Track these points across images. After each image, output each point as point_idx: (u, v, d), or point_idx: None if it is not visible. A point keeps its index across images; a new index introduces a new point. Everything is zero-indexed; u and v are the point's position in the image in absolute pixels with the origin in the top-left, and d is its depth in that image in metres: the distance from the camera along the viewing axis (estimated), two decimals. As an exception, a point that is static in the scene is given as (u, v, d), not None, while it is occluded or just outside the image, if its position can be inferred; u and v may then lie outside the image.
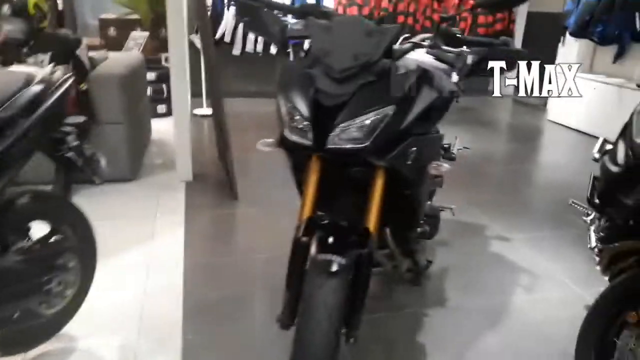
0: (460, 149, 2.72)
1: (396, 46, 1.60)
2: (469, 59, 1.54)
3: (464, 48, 1.69)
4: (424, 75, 1.60)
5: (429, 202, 2.06)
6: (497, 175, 4.20)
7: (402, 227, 1.87)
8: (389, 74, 1.44)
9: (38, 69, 1.62)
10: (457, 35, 1.68)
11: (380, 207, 1.60)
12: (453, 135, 2.61)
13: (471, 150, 4.66)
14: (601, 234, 1.94)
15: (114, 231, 2.92)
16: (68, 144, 1.75)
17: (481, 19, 6.96)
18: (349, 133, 1.38)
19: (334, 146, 1.38)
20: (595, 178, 1.90)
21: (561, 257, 2.75)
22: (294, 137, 1.43)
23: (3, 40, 3.20)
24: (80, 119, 1.82)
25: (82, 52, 3.44)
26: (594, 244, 2.07)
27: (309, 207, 1.62)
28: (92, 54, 4.02)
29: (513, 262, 2.69)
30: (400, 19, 6.68)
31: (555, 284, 2.51)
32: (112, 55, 4.20)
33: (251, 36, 6.31)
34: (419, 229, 1.97)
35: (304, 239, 1.52)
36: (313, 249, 1.45)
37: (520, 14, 7.20)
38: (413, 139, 1.51)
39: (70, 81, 1.68)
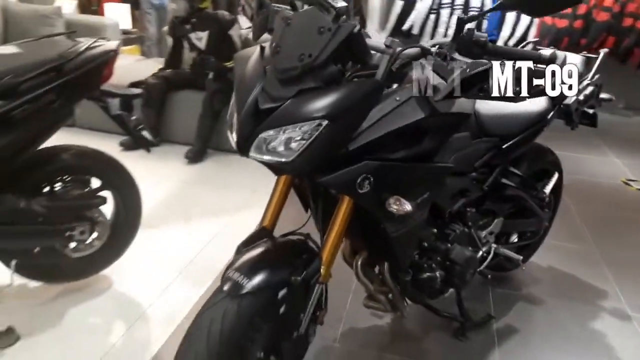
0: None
1: (398, 49, 1.32)
2: (456, 74, 1.18)
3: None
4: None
5: (460, 245, 1.68)
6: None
7: (389, 265, 1.58)
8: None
9: (85, 41, 1.81)
10: (482, 41, 1.30)
11: (340, 234, 1.39)
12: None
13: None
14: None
15: (207, 198, 3.16)
16: (110, 111, 1.93)
17: None
18: (273, 143, 1.20)
19: (254, 154, 1.22)
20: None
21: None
22: (230, 136, 1.31)
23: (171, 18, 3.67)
24: (130, 91, 1.98)
25: (234, 32, 3.73)
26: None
27: (267, 215, 1.50)
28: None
29: (614, 349, 2.04)
30: (627, 21, 5.49)
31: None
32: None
33: (441, 29, 5.97)
34: (425, 274, 1.62)
35: (244, 249, 1.40)
36: (235, 262, 1.32)
37: None
38: (366, 164, 1.24)
39: (108, 55, 1.83)
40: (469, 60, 1.28)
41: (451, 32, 5.58)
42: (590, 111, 2.25)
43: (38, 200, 1.81)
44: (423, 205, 1.45)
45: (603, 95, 2.24)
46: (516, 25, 5.84)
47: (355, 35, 1.20)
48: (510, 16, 5.85)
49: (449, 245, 1.66)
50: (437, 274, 1.63)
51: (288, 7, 1.40)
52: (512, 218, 2.08)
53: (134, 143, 2.07)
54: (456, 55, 1.31)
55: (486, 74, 1.20)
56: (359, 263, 1.65)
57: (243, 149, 1.23)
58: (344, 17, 1.20)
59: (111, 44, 1.88)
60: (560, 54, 1.36)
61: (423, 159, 1.38)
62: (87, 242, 2.01)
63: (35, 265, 1.97)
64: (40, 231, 1.83)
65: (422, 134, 1.34)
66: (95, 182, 2.05)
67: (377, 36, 5.36)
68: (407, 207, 1.30)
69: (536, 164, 2.17)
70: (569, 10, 5.65)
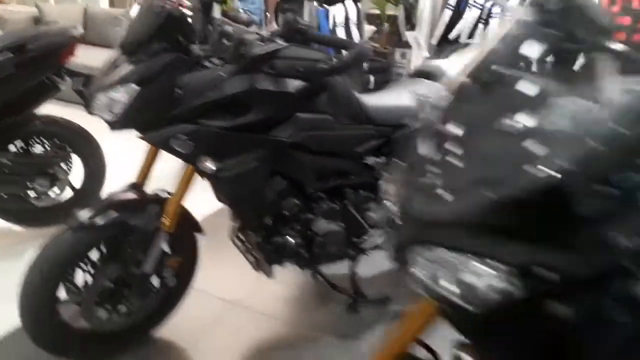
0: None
1: (241, 35, 1.54)
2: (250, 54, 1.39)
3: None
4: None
5: (326, 220, 1.81)
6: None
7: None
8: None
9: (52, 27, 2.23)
10: (303, 29, 1.46)
11: (181, 190, 1.64)
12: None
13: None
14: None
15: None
16: (72, 86, 2.33)
17: None
18: (108, 102, 1.47)
19: (94, 112, 1.50)
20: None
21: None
22: None
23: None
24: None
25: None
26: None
27: (140, 174, 1.77)
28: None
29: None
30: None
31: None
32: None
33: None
34: (277, 238, 1.78)
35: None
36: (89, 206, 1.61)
37: None
38: (183, 126, 1.47)
39: (68, 39, 2.22)
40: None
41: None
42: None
43: (6, 154, 2.25)
44: (255, 173, 1.62)
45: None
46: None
47: (175, 18, 1.45)
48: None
49: (312, 217, 1.81)
50: (292, 240, 1.78)
51: None
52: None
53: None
54: (277, 39, 1.51)
55: (273, 55, 1.38)
56: (234, 224, 1.86)
57: (89, 106, 1.52)
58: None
59: (74, 31, 2.27)
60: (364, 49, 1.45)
61: (252, 129, 1.56)
62: (49, 194, 2.42)
63: (7, 209, 2.42)
64: (4, 180, 2.26)
65: (247, 107, 1.53)
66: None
67: (423, 45, 5.45)
68: (211, 167, 1.50)
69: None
70: (628, 23, 5.28)
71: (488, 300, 0.64)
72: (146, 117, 1.46)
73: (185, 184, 1.62)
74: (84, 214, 1.55)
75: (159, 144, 1.51)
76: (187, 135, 1.48)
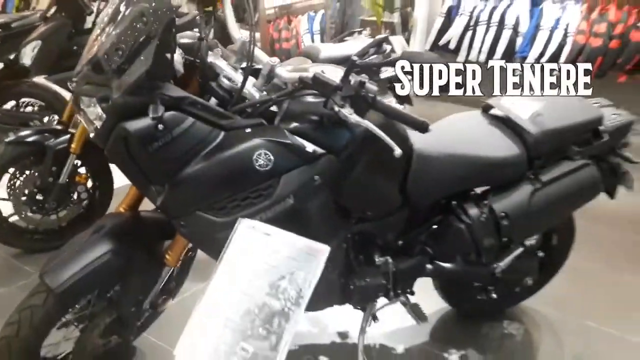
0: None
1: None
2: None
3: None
4: None
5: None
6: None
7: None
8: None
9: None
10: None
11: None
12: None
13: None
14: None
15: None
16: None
17: None
18: (29, 53, 2.12)
19: (21, 62, 2.16)
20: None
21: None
22: None
23: None
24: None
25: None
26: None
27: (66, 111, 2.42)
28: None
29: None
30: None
31: None
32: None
33: (476, 45, 6.18)
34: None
35: None
36: None
37: None
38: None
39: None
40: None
41: (485, 48, 5.74)
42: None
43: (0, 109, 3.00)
44: None
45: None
46: (548, 44, 5.84)
47: None
48: (543, 34, 5.87)
49: None
50: None
51: None
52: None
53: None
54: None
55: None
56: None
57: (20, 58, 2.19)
58: None
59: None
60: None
61: None
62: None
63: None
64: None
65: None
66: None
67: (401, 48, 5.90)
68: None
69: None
70: (604, 30, 5.49)
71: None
72: (50, 64, 2.11)
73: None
74: (15, 134, 2.21)
75: (59, 84, 2.15)
76: None
